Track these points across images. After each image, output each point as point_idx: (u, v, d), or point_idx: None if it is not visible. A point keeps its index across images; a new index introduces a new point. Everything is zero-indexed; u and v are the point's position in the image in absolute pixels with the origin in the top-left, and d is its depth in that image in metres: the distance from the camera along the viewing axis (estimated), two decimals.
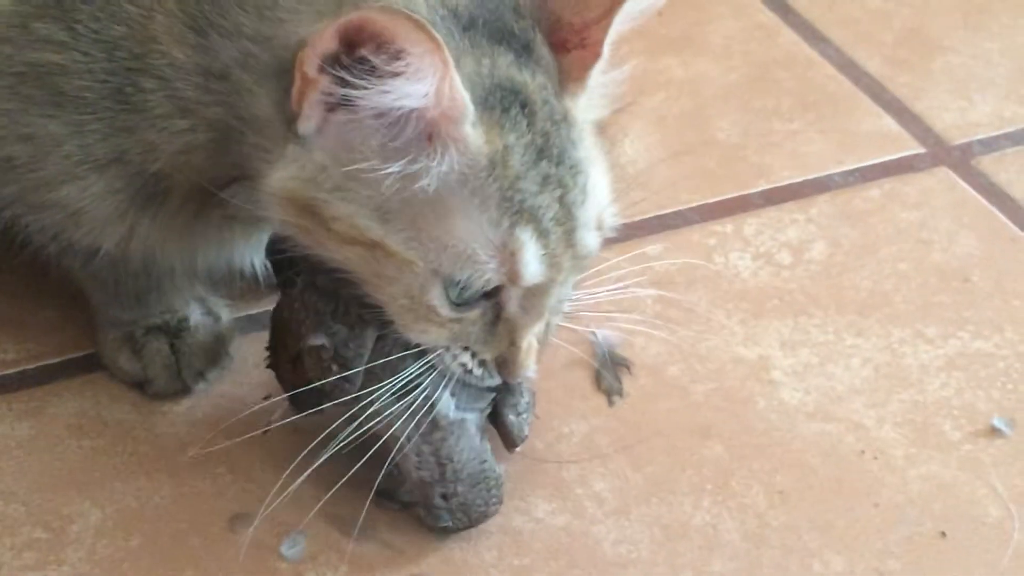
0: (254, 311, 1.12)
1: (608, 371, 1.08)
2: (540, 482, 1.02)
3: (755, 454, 1.04)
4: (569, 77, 0.89)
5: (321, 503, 0.96)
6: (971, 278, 1.18)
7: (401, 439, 0.94)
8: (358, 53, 0.81)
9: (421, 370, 0.92)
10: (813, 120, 1.34)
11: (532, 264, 0.87)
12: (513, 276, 0.87)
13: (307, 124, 0.85)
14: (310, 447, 0.94)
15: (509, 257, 0.86)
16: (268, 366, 1.01)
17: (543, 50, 0.89)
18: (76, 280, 1.05)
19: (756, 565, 0.97)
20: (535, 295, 0.90)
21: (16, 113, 0.92)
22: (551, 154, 0.87)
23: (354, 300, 0.92)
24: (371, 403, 0.94)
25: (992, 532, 1.00)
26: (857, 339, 1.13)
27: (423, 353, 0.92)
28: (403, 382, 0.92)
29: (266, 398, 1.04)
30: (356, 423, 0.94)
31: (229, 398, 1.06)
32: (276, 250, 0.99)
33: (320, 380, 0.94)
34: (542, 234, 0.87)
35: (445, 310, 0.89)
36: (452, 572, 0.96)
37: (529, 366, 0.93)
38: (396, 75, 0.81)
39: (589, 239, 0.90)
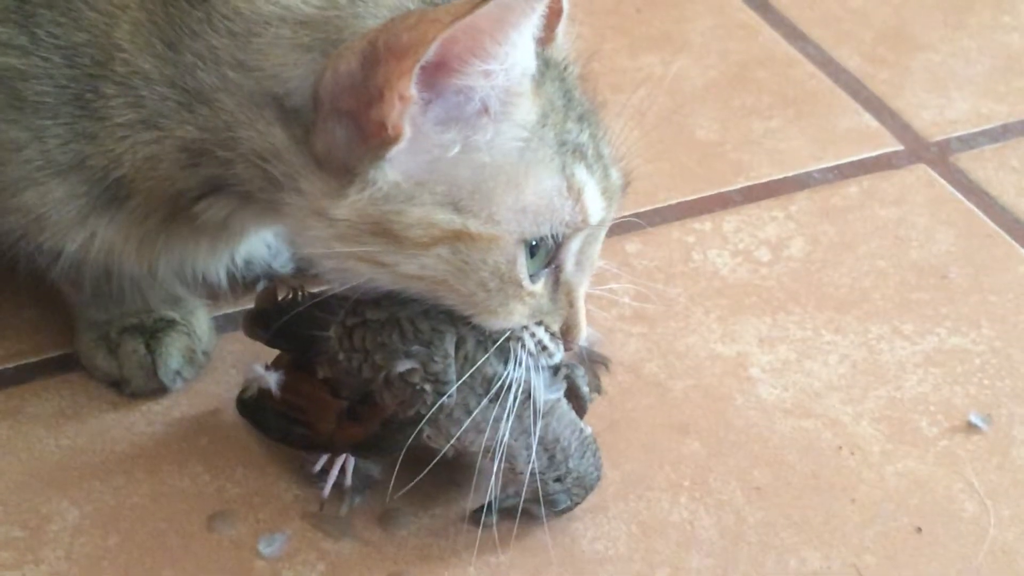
0: (230, 310, 1.12)
1: (587, 368, 1.09)
2: None
3: (733, 451, 1.05)
4: (540, 39, 0.89)
5: (299, 501, 0.97)
6: (948, 275, 1.19)
7: (506, 440, 0.93)
8: (452, 61, 0.82)
9: (506, 363, 0.92)
10: (792, 117, 1.34)
11: (595, 199, 0.90)
12: (584, 215, 0.89)
13: (399, 144, 0.84)
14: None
15: (577, 197, 0.89)
16: (300, 446, 0.99)
17: None
18: (51, 280, 1.05)
19: (733, 561, 0.98)
20: (586, 246, 0.92)
21: None
22: (572, 96, 0.91)
23: (419, 316, 0.92)
24: (469, 415, 0.93)
25: (968, 527, 1.00)
26: (835, 336, 1.13)
27: (502, 347, 0.92)
28: (498, 384, 0.92)
29: (320, 473, 1.00)
30: (455, 438, 0.93)
31: (207, 397, 1.06)
32: (277, 332, 0.99)
33: (412, 410, 0.92)
34: (591, 169, 0.90)
35: (527, 282, 0.90)
36: (430, 570, 0.97)
37: (585, 326, 0.95)
38: (485, 69, 0.83)
39: (616, 175, 0.93)
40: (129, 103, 0.90)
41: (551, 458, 0.95)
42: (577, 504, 0.98)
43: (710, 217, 1.24)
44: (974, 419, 1.07)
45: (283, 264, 1.13)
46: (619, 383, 1.09)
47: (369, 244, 0.87)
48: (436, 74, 0.83)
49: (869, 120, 1.34)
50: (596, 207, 0.90)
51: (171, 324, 1.06)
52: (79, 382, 1.07)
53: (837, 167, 1.29)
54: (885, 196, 1.26)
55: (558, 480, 0.96)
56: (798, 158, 1.30)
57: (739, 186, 1.27)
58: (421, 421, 0.93)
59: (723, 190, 1.27)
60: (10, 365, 1.08)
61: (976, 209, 1.25)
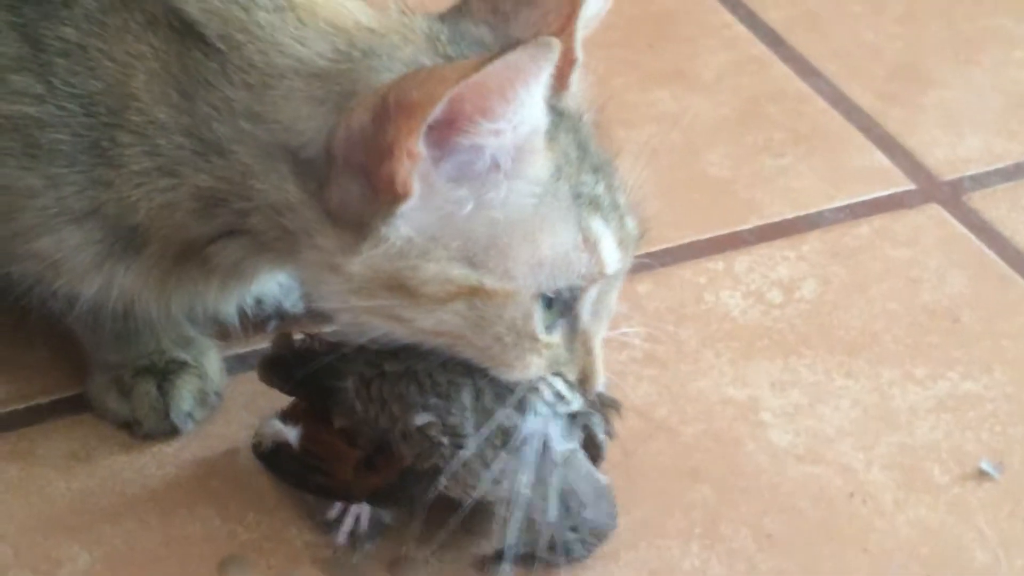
0: (241, 350, 1.12)
1: (599, 413, 1.08)
2: None
3: (744, 497, 1.04)
4: (553, 87, 0.89)
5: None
6: (961, 318, 1.19)
7: (522, 491, 0.92)
8: (461, 119, 0.82)
9: (524, 414, 0.92)
10: (804, 155, 1.34)
11: (611, 249, 0.90)
12: (600, 266, 0.90)
13: (409, 201, 0.84)
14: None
15: (593, 248, 0.89)
16: (317, 493, 0.99)
17: None
18: (64, 323, 1.05)
19: None
20: (603, 295, 0.93)
21: None
22: (587, 147, 0.91)
23: (436, 369, 0.92)
24: (487, 466, 0.93)
25: None
26: (847, 380, 1.13)
27: (519, 398, 0.92)
28: (513, 433, 0.92)
29: (335, 520, 1.00)
30: (476, 489, 0.93)
31: (218, 439, 1.06)
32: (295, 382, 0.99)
33: (429, 462, 0.92)
34: (607, 220, 0.90)
35: (543, 335, 0.90)
36: None
37: (602, 373, 0.95)
38: (494, 128, 0.83)
39: (632, 224, 0.93)
40: (145, 151, 0.90)
41: (566, 508, 0.95)
42: (590, 554, 0.98)
43: (722, 257, 1.24)
44: (985, 466, 1.06)
45: (294, 303, 1.13)
46: (630, 427, 1.08)
47: (385, 299, 0.87)
48: (446, 132, 0.83)
49: (881, 158, 1.34)
50: (612, 258, 0.90)
51: (183, 366, 1.07)
52: (90, 423, 1.07)
53: (849, 206, 1.29)
54: (897, 236, 1.26)
55: (573, 529, 0.96)
56: (810, 197, 1.30)
57: (751, 225, 1.27)
58: (439, 473, 0.92)
59: (735, 229, 1.26)
60: (21, 406, 1.08)
61: (989, 250, 1.25)
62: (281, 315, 1.13)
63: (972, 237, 1.26)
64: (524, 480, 0.92)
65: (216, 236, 0.93)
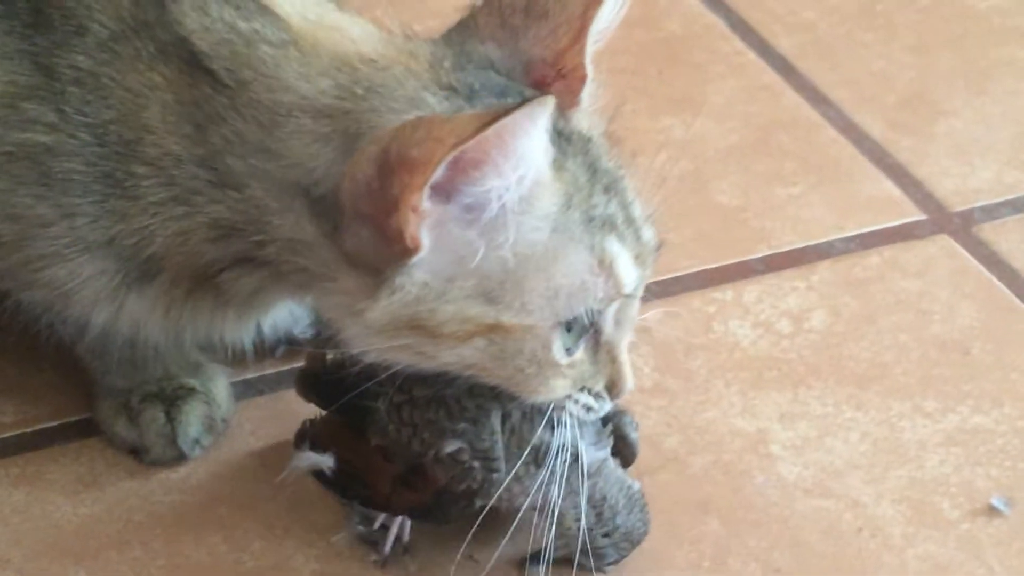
0: (250, 376, 1.11)
1: (637, 452, 1.08)
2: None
3: (753, 530, 1.04)
4: (563, 105, 0.90)
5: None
6: (971, 350, 1.18)
7: (554, 501, 0.94)
8: (463, 174, 0.82)
9: (552, 430, 0.94)
10: (814, 184, 1.34)
11: (627, 268, 0.90)
12: (617, 286, 0.89)
13: (420, 253, 0.84)
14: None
15: (608, 270, 0.89)
16: (359, 501, 1.00)
17: (533, 92, 0.91)
18: (72, 348, 1.04)
19: None
20: (624, 307, 0.92)
21: (4, 193, 0.92)
22: (597, 167, 0.90)
23: (464, 394, 0.93)
24: (519, 481, 0.95)
25: None
26: (856, 412, 1.13)
27: (549, 413, 0.93)
28: (543, 450, 0.94)
29: (381, 527, 1.01)
30: (514, 506, 0.96)
31: (225, 465, 1.06)
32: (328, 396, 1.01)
33: (462, 485, 0.95)
34: (622, 238, 0.90)
35: (565, 359, 0.90)
36: None
37: (630, 377, 0.95)
38: (497, 182, 0.83)
39: (649, 234, 0.93)
40: (161, 183, 0.90)
41: (599, 515, 0.97)
42: (624, 557, 0.99)
43: (731, 286, 1.23)
44: (996, 502, 1.06)
45: (303, 330, 1.13)
46: (638, 458, 1.08)
47: (406, 339, 0.88)
48: (450, 183, 0.83)
49: (892, 188, 1.34)
50: (630, 276, 0.90)
51: (190, 392, 1.06)
52: (98, 448, 1.07)
53: (859, 236, 1.29)
54: (907, 267, 1.26)
55: (606, 535, 0.98)
56: (820, 226, 1.29)
57: (761, 255, 1.26)
58: (474, 495, 0.95)
59: (745, 259, 1.26)
60: (29, 430, 1.08)
61: (998, 282, 1.24)
62: (290, 340, 1.13)
63: (982, 269, 1.26)
64: (556, 491, 0.94)
65: (231, 263, 0.93)
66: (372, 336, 0.88)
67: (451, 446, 0.94)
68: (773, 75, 1.46)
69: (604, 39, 0.93)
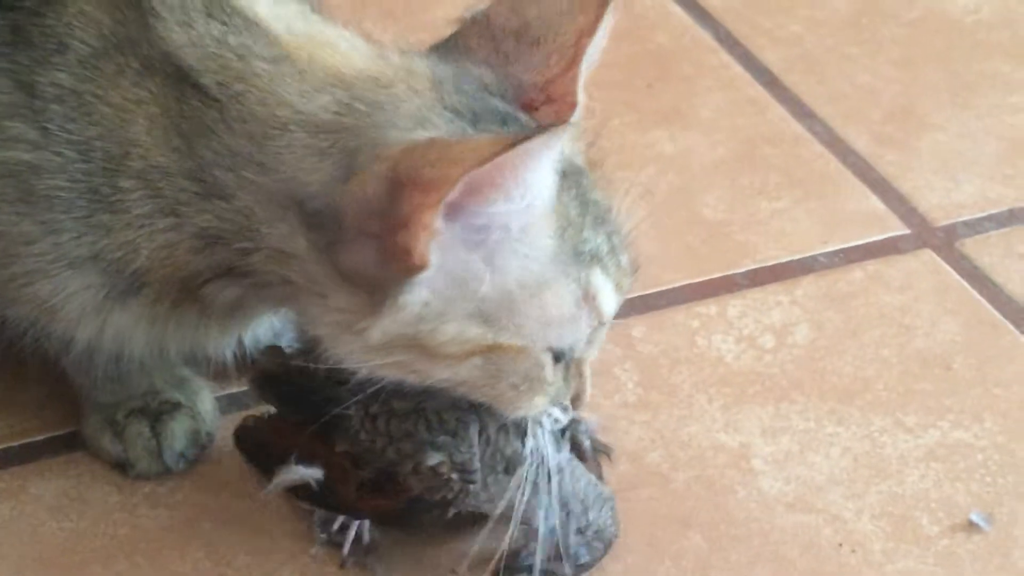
0: (234, 391, 1.12)
1: (589, 458, 1.09)
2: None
3: (734, 545, 1.05)
4: None
5: None
6: (952, 365, 1.19)
7: (522, 507, 0.96)
8: (475, 196, 0.83)
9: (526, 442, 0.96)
10: (799, 198, 1.35)
11: (609, 299, 0.92)
12: (599, 316, 0.92)
13: (426, 271, 0.85)
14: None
15: (592, 302, 0.91)
16: (319, 504, 1.01)
17: (524, 115, 0.92)
18: (58, 363, 1.05)
19: None
20: (599, 328, 0.94)
21: None
22: (587, 199, 0.91)
23: (444, 407, 0.95)
24: (490, 490, 0.97)
25: None
26: (838, 427, 1.14)
27: (519, 427, 0.96)
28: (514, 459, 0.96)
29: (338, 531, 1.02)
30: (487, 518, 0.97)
31: (210, 479, 1.07)
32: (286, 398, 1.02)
33: (438, 495, 0.96)
34: (606, 270, 0.91)
35: (552, 376, 0.92)
36: None
37: (590, 388, 0.98)
38: (506, 207, 0.85)
39: (627, 259, 0.95)
40: (148, 195, 0.90)
41: (568, 513, 0.98)
42: (597, 560, 1.00)
43: (715, 301, 1.24)
44: (975, 518, 1.06)
45: (288, 343, 1.13)
46: (621, 473, 1.09)
47: (402, 356, 0.89)
48: (459, 204, 0.83)
49: (876, 203, 1.34)
50: (610, 305, 0.92)
51: (176, 406, 1.07)
52: (83, 462, 1.07)
53: (843, 251, 1.29)
54: (891, 282, 1.27)
55: (578, 532, 0.99)
56: (804, 241, 1.30)
57: (745, 269, 1.27)
58: (448, 504, 0.97)
59: (729, 273, 1.27)
60: (14, 444, 1.09)
61: (981, 298, 1.25)
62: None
63: (965, 284, 1.27)
64: (525, 497, 0.96)
65: (214, 275, 0.93)
66: (367, 353, 0.89)
67: (433, 459, 0.95)
68: (759, 89, 1.47)
69: (594, 63, 0.94)
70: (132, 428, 1.05)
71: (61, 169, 0.90)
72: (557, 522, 0.97)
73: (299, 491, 1.01)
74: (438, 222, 0.83)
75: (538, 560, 0.98)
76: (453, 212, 0.84)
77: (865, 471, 1.10)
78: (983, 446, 1.12)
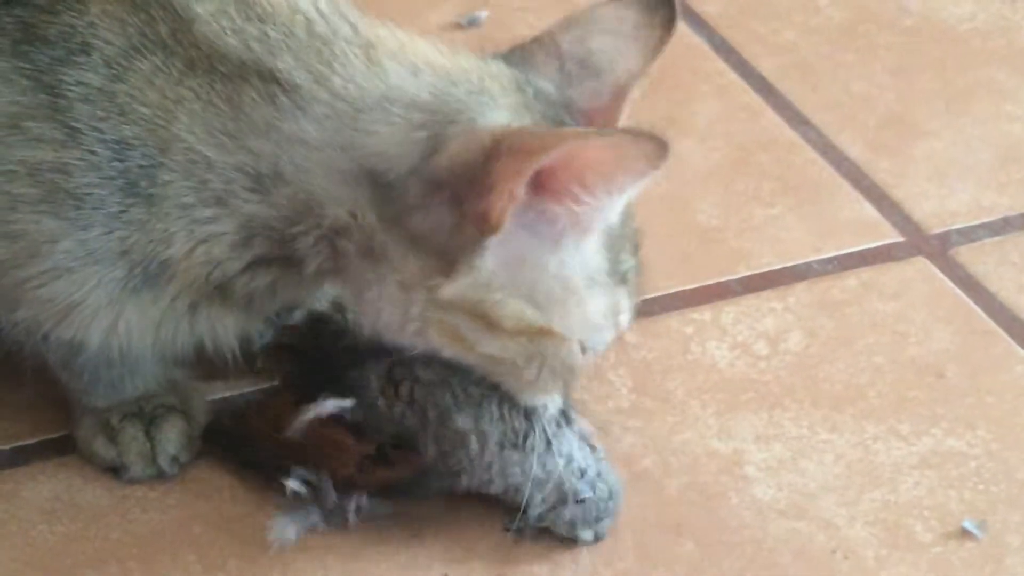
0: (228, 393, 1.12)
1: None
2: None
3: (727, 552, 1.05)
4: None
5: None
6: (945, 373, 1.19)
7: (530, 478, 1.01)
8: (558, 180, 0.88)
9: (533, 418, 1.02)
10: (793, 205, 1.35)
11: (628, 316, 0.99)
12: (618, 330, 0.99)
13: (497, 235, 0.89)
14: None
15: (615, 319, 0.98)
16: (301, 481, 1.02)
17: None
18: (50, 367, 1.05)
19: None
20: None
21: (1, 211, 0.92)
22: (628, 224, 0.98)
23: (468, 382, 1.00)
24: (501, 461, 1.01)
25: None
26: (831, 434, 1.14)
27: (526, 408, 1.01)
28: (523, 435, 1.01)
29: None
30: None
31: (203, 483, 1.06)
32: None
33: (454, 463, 1.00)
34: (630, 293, 0.99)
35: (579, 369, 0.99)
36: None
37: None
38: (582, 201, 0.89)
39: (640, 282, 1.01)
40: (190, 187, 0.91)
41: (568, 460, 1.02)
42: (601, 508, 1.02)
43: (709, 307, 1.24)
44: (968, 526, 1.06)
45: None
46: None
47: (460, 319, 0.93)
48: (538, 188, 0.88)
49: (870, 210, 1.34)
50: (627, 321, 1.00)
51: (170, 410, 1.07)
52: (76, 466, 1.07)
53: (837, 258, 1.29)
54: (884, 289, 1.27)
55: (582, 476, 1.02)
56: (798, 248, 1.30)
57: (739, 275, 1.27)
58: (460, 474, 1.01)
59: (723, 279, 1.27)
60: (6, 447, 1.08)
61: (975, 306, 1.25)
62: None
63: (959, 291, 1.27)
64: (532, 469, 1.00)
65: (246, 268, 0.94)
66: (429, 309, 0.93)
67: (461, 422, 0.99)
68: (754, 96, 1.47)
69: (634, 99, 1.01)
70: (127, 432, 1.05)
71: (93, 168, 0.90)
72: (564, 471, 1.01)
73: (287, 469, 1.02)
74: (521, 190, 0.87)
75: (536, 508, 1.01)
76: (535, 193, 0.88)
77: (858, 478, 1.10)
78: (976, 454, 1.12)
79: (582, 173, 0.88)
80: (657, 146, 0.87)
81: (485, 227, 0.89)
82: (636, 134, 0.88)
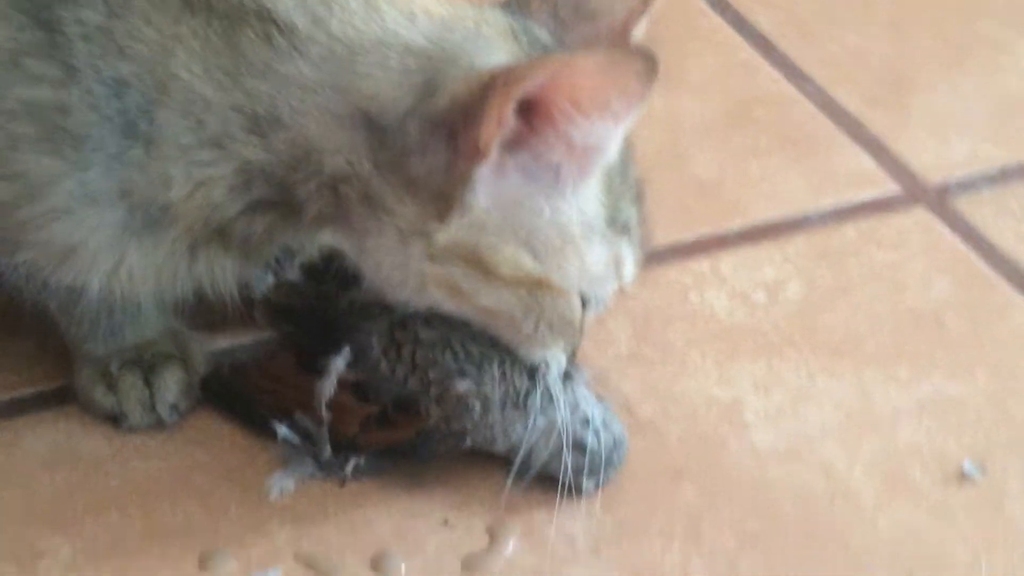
0: (227, 344, 1.12)
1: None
2: (511, 521, 1.02)
3: (727, 498, 1.05)
4: None
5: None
6: (945, 322, 1.19)
7: (533, 438, 1.01)
8: (550, 105, 0.87)
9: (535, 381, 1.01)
10: (791, 158, 1.35)
11: (630, 269, 0.98)
12: (620, 281, 0.98)
13: (486, 164, 0.89)
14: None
15: (618, 268, 0.97)
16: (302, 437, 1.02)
17: None
18: (49, 315, 1.05)
19: None
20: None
21: (2, 151, 0.91)
22: (628, 174, 0.97)
23: (468, 340, 0.99)
24: (504, 421, 1.01)
25: None
26: (830, 381, 1.14)
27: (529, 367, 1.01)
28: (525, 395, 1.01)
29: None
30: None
31: (202, 431, 1.06)
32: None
33: (458, 424, 1.00)
34: (632, 243, 0.97)
35: (579, 323, 0.98)
36: None
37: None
38: (590, 120, 0.88)
39: (643, 232, 0.99)
40: (188, 127, 0.90)
41: (579, 418, 1.01)
42: (606, 456, 1.02)
43: (708, 258, 1.24)
44: (968, 469, 1.07)
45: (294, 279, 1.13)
46: None
47: (457, 268, 0.92)
48: (533, 126, 0.87)
49: (868, 162, 1.34)
50: (630, 274, 0.99)
51: (169, 357, 1.07)
52: (75, 415, 1.07)
53: (835, 209, 1.29)
54: (883, 240, 1.27)
55: (584, 423, 1.01)
56: (796, 199, 1.30)
57: (737, 227, 1.27)
58: (464, 435, 1.00)
59: (721, 230, 1.27)
60: (5, 397, 1.08)
61: (974, 255, 1.25)
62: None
63: (958, 241, 1.27)
64: (534, 429, 1.00)
65: (243, 211, 0.94)
66: (425, 260, 0.92)
67: (461, 386, 0.99)
68: (751, 51, 1.47)
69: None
70: (126, 380, 1.05)
71: (92, 107, 0.90)
72: (569, 422, 1.00)
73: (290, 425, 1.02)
74: (510, 116, 0.86)
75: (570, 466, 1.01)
76: (519, 137, 0.88)
77: (857, 424, 1.10)
78: (976, 400, 1.13)
79: (573, 96, 0.86)
80: (646, 62, 0.85)
81: (474, 155, 0.88)
82: (624, 51, 0.87)
